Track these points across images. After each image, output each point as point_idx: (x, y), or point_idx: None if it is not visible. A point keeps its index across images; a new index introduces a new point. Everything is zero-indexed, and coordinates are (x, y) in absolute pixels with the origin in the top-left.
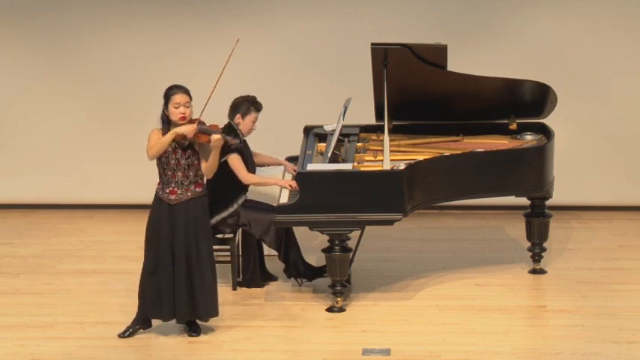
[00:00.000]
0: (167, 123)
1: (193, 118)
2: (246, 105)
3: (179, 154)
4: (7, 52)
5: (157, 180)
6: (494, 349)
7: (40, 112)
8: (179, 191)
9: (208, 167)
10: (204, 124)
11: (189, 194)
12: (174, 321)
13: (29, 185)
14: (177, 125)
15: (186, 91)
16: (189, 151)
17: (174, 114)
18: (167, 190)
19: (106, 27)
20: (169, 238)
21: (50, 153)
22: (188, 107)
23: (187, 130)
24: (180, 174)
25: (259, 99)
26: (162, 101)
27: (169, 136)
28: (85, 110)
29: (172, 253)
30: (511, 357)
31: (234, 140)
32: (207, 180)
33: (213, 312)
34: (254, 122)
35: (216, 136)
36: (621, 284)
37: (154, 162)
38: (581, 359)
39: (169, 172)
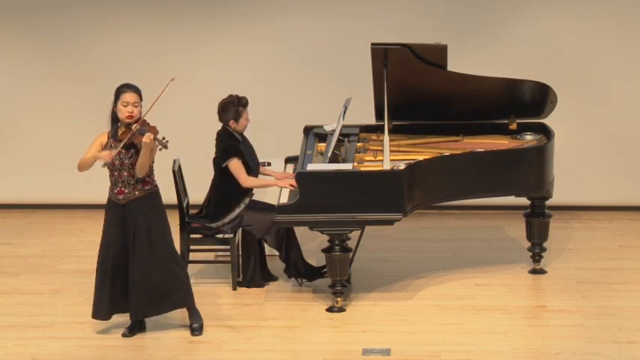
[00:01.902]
0: (116, 121)
1: (138, 118)
2: (233, 109)
3: (122, 153)
4: (7, 52)
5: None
6: (494, 349)
7: (40, 112)
8: (126, 190)
9: (138, 166)
10: (147, 125)
11: (136, 193)
12: (174, 321)
13: (29, 185)
14: (124, 123)
15: (136, 91)
16: (132, 151)
17: (122, 112)
18: (115, 191)
19: (106, 27)
20: (121, 239)
21: (50, 153)
22: (137, 107)
23: (105, 156)
24: (125, 173)
25: (259, 99)
26: (162, 101)
27: (90, 157)
28: (85, 110)
29: (127, 253)
30: (511, 357)
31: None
32: (211, 185)
33: (185, 303)
34: (247, 118)
35: (147, 135)
36: (621, 284)
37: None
38: (581, 359)
39: (116, 173)
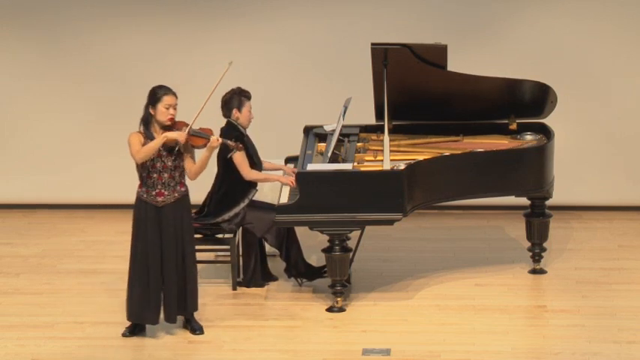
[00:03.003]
0: (148, 124)
1: (179, 121)
2: (237, 98)
3: (164, 156)
4: (7, 52)
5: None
6: (494, 349)
7: (40, 111)
8: (166, 192)
9: (197, 170)
10: (185, 125)
11: (176, 195)
12: (173, 322)
13: (29, 185)
14: (162, 126)
15: (174, 93)
16: (175, 153)
17: (164, 114)
18: (153, 193)
19: (106, 27)
20: (157, 240)
21: (50, 153)
22: (175, 109)
23: (179, 136)
24: (166, 175)
25: (259, 99)
26: None
27: (160, 140)
28: (85, 110)
29: (161, 255)
30: (511, 357)
31: (236, 144)
32: (216, 178)
33: (196, 307)
34: (250, 111)
35: (215, 138)
36: (621, 284)
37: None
38: (581, 359)
39: (155, 175)
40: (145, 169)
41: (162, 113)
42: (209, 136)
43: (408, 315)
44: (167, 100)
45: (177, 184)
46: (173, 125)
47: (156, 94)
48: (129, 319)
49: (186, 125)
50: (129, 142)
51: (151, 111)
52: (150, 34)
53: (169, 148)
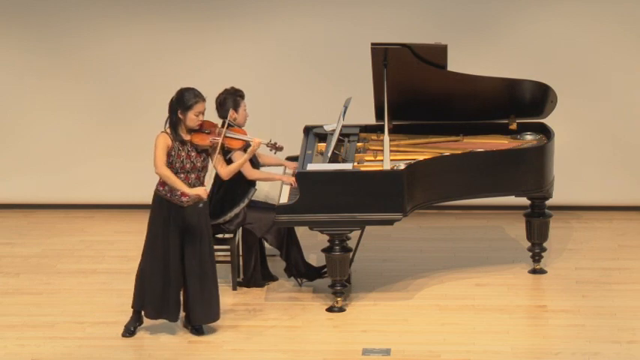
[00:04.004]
0: (177, 127)
1: (206, 120)
2: (231, 99)
3: (193, 157)
4: (7, 51)
5: (158, 180)
6: (494, 348)
7: (40, 111)
8: None
9: (232, 170)
10: (215, 126)
11: None
12: (177, 322)
13: (29, 185)
14: (190, 130)
15: (204, 99)
16: (204, 154)
17: (194, 121)
18: (178, 193)
19: (104, 26)
20: (179, 240)
21: (50, 153)
22: (204, 114)
23: (202, 194)
24: (193, 176)
25: (260, 99)
26: (162, 100)
27: (180, 186)
28: (84, 109)
29: (182, 255)
30: (511, 357)
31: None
32: (215, 179)
33: (217, 316)
34: (245, 110)
35: (258, 141)
36: (621, 284)
37: (153, 161)
38: (581, 359)
39: (182, 175)
40: (173, 169)
41: (192, 120)
42: (249, 139)
43: (408, 315)
44: (198, 107)
45: (201, 184)
46: (201, 127)
47: (187, 102)
48: (147, 316)
49: (214, 126)
50: (155, 145)
51: (180, 116)
52: (150, 34)
53: (201, 149)
